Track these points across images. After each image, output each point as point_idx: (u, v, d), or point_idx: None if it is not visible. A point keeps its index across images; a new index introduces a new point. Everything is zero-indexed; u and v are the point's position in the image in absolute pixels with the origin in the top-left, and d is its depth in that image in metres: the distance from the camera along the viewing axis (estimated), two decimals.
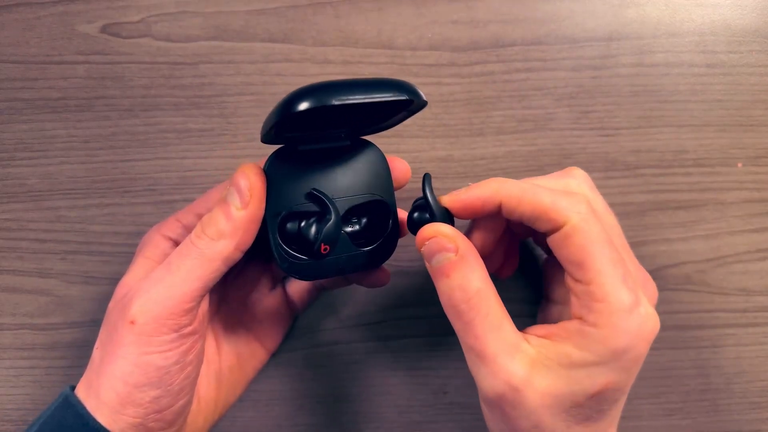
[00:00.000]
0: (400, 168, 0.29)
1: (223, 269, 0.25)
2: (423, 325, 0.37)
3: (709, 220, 0.38)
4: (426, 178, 0.27)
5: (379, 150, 0.29)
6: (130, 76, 0.36)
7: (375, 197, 0.28)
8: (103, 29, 0.36)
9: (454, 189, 0.37)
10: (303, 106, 0.22)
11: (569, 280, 0.25)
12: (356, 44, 0.37)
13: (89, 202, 0.36)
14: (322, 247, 0.26)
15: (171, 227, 0.29)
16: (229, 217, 0.25)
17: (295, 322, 0.36)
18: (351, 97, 0.22)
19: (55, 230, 0.36)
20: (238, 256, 0.26)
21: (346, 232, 0.28)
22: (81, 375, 0.27)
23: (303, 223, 0.27)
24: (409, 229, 0.28)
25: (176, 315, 0.25)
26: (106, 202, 0.36)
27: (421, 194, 0.27)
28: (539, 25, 0.38)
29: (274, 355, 0.36)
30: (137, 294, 0.25)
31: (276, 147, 0.27)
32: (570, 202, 0.24)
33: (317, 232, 0.26)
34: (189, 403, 0.27)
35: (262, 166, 0.27)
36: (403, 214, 0.30)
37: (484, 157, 0.37)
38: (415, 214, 0.27)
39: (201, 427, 0.30)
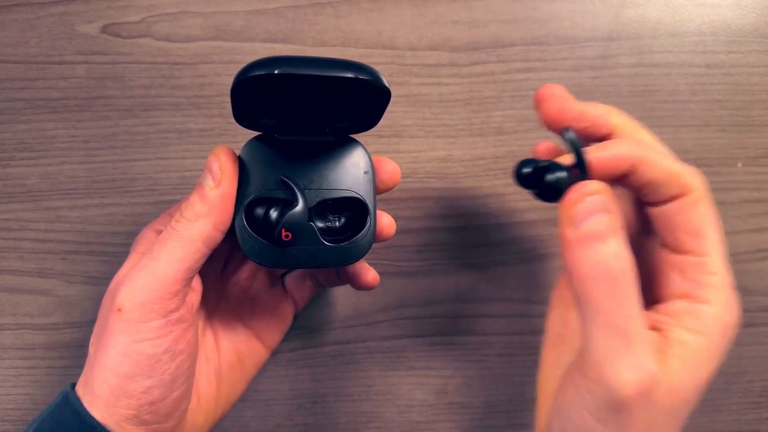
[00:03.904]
0: (389, 169, 0.29)
1: (205, 250, 0.26)
2: (423, 325, 0.37)
3: None
4: (570, 132, 0.23)
5: (364, 148, 0.28)
6: (130, 76, 0.36)
7: (351, 194, 0.28)
8: (103, 29, 0.36)
9: (455, 189, 0.37)
10: (250, 73, 0.22)
11: (672, 256, 0.24)
12: (356, 44, 0.37)
13: (89, 202, 0.36)
14: (283, 233, 0.25)
15: (163, 222, 0.29)
16: (204, 198, 0.25)
17: (294, 321, 0.36)
18: (297, 70, 0.22)
19: (55, 230, 0.36)
20: (218, 236, 0.26)
21: (317, 226, 0.27)
22: (81, 375, 0.27)
23: (270, 209, 0.26)
24: (543, 193, 0.24)
25: (163, 299, 0.25)
26: (106, 202, 0.36)
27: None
28: (539, 25, 0.38)
29: (275, 354, 0.36)
30: (123, 282, 0.25)
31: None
32: (693, 172, 0.24)
33: (280, 216, 0.26)
34: (184, 397, 0.27)
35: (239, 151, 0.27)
36: (383, 215, 0.29)
37: (484, 157, 0.37)
38: (560, 173, 0.23)
39: (202, 425, 0.30)
